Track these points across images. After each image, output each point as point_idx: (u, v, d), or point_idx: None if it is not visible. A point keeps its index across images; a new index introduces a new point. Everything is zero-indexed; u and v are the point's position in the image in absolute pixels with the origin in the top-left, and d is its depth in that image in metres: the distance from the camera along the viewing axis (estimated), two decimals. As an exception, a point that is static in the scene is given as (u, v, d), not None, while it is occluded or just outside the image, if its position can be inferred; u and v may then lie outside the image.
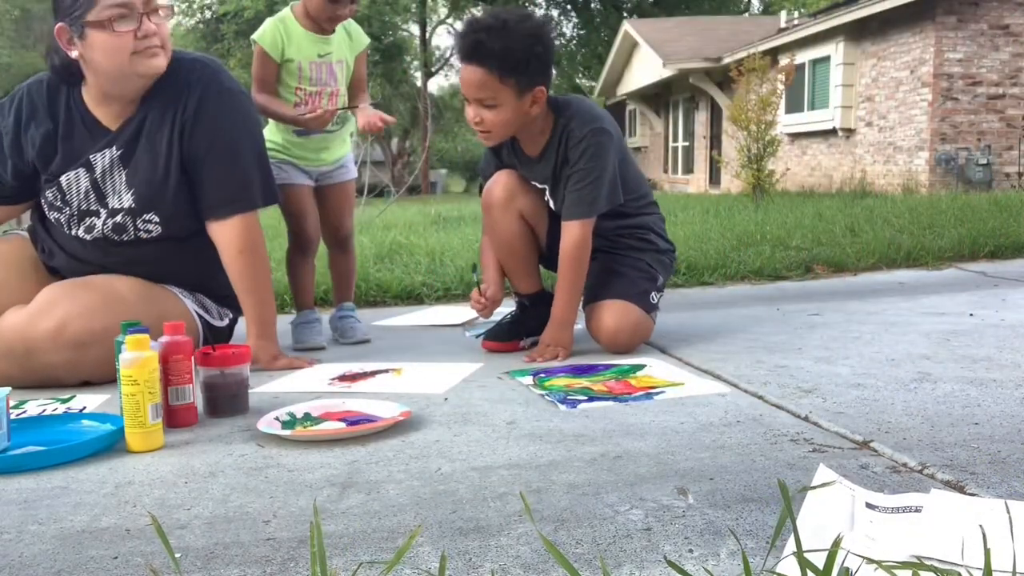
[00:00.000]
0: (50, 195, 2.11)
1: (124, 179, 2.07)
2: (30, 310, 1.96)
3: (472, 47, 2.07)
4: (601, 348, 2.27)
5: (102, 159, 2.07)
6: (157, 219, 2.10)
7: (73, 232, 2.13)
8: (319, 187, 2.66)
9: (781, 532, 0.99)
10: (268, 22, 2.48)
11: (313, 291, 2.73)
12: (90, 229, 2.11)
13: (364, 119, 2.47)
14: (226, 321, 2.32)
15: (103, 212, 2.09)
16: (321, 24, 2.48)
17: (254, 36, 2.48)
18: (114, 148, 2.06)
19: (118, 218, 2.09)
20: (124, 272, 2.12)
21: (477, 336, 2.51)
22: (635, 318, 2.24)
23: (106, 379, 1.94)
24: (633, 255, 2.36)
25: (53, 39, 1.97)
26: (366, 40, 2.65)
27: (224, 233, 2.10)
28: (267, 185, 2.18)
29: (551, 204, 2.35)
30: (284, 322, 3.08)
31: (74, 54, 1.96)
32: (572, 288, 2.24)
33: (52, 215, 2.14)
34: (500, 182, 2.32)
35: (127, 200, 2.08)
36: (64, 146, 2.07)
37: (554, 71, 2.23)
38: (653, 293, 2.32)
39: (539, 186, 2.34)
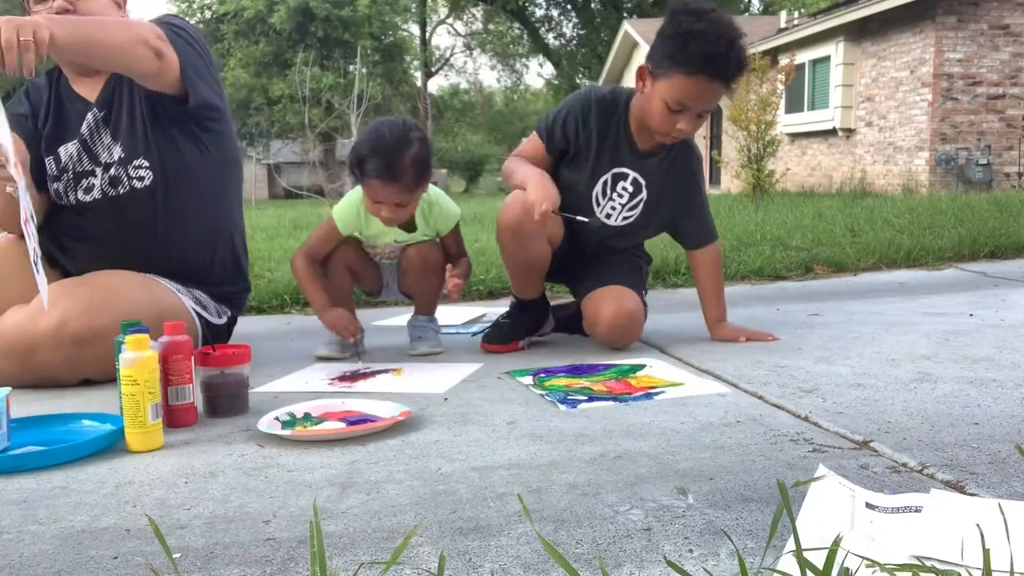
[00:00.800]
0: (47, 167, 2.20)
1: (110, 135, 2.17)
2: (30, 308, 1.96)
3: (735, 66, 2.04)
4: (597, 337, 2.29)
5: (86, 125, 2.17)
6: (147, 164, 2.16)
7: (72, 198, 2.18)
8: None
9: (777, 530, 0.99)
10: (352, 203, 2.28)
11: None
12: (89, 189, 2.17)
13: (451, 284, 2.25)
14: (224, 319, 2.32)
15: (98, 170, 2.17)
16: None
17: (335, 210, 2.31)
18: (96, 110, 2.18)
19: (112, 171, 2.16)
20: (125, 243, 2.16)
21: (474, 334, 2.51)
22: (635, 304, 2.25)
23: (107, 377, 1.94)
24: (623, 256, 2.43)
25: None
26: (452, 220, 2.37)
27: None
28: (175, 25, 2.14)
29: (619, 207, 2.28)
30: (280, 322, 3.08)
31: None
32: (721, 290, 2.39)
33: (52, 187, 2.20)
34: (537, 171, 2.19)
35: (116, 152, 2.16)
36: (55, 121, 2.21)
37: None
38: (643, 290, 2.38)
39: (630, 177, 2.26)
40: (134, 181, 2.16)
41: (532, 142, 2.32)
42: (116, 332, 1.75)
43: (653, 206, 2.29)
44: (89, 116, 2.18)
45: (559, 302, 2.62)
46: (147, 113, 2.16)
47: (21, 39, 1.61)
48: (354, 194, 2.29)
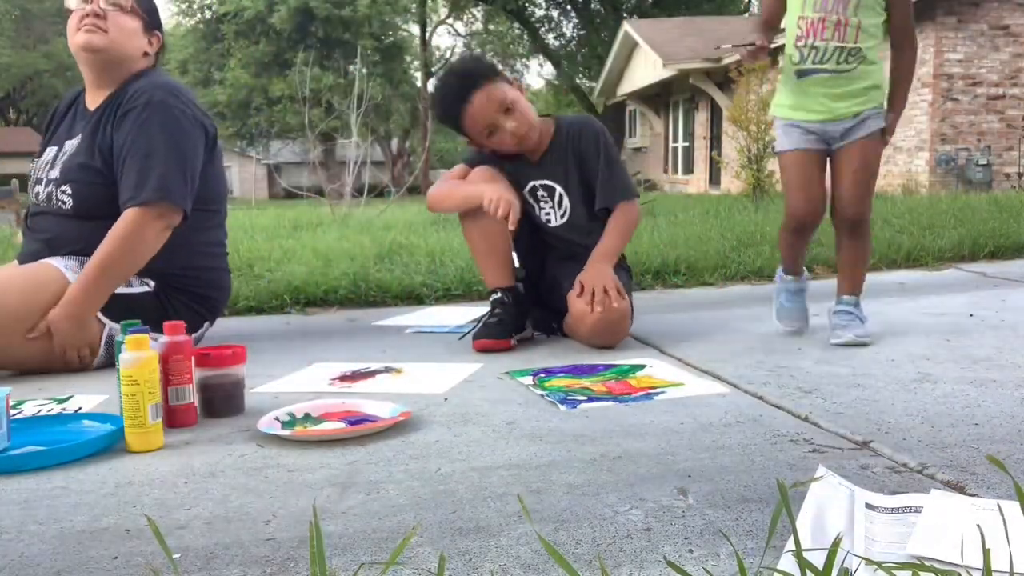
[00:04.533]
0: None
1: (64, 156, 2.30)
2: None
3: (468, 76, 2.31)
4: (581, 332, 2.29)
5: (70, 142, 2.32)
6: (69, 191, 2.26)
7: (32, 192, 2.37)
8: (834, 151, 2.27)
9: (777, 530, 0.99)
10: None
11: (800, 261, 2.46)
12: (37, 195, 2.34)
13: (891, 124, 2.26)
14: (145, 289, 2.27)
15: (44, 180, 2.32)
16: None
17: None
18: (79, 137, 2.30)
19: (48, 188, 2.29)
20: (55, 247, 2.26)
21: (461, 337, 2.50)
22: (625, 301, 2.28)
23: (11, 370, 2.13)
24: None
25: None
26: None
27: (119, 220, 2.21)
28: (163, 187, 2.18)
29: (551, 210, 2.46)
30: (280, 322, 3.07)
31: None
32: (621, 234, 2.37)
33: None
34: (479, 172, 2.42)
35: (55, 173, 2.29)
36: (59, 122, 2.41)
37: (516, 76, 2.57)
38: (630, 294, 2.39)
39: (539, 183, 2.44)
40: (57, 203, 2.27)
41: (460, 169, 2.52)
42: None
43: (574, 190, 2.44)
44: (77, 136, 2.31)
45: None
46: (95, 154, 2.24)
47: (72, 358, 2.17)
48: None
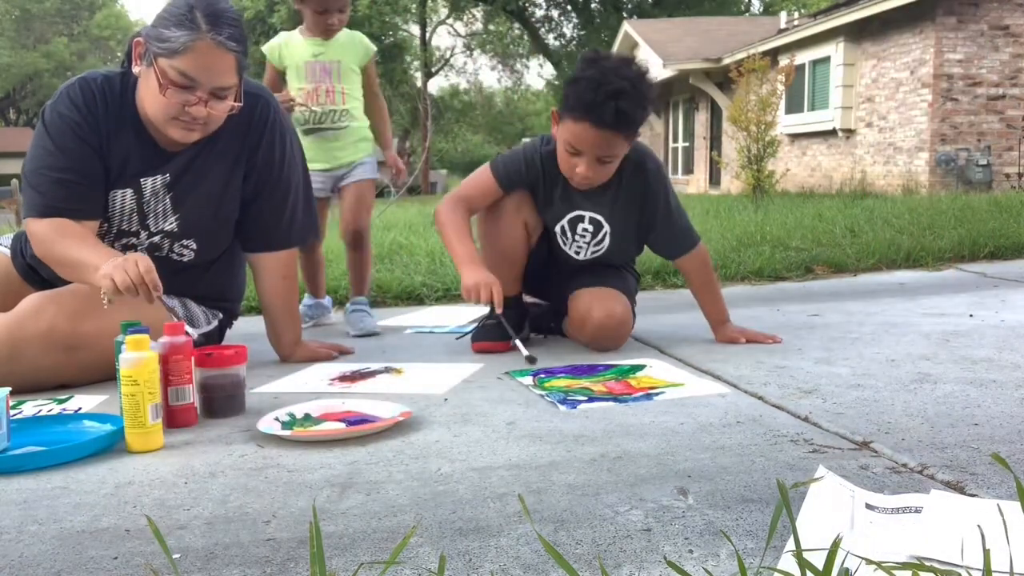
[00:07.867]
0: None
1: (169, 204, 2.07)
2: (16, 313, 1.93)
3: (616, 117, 2.02)
4: (581, 337, 2.29)
5: (152, 184, 2.05)
6: (195, 246, 2.14)
7: (105, 242, 2.07)
8: (339, 188, 2.91)
9: (777, 530, 0.99)
10: (276, 37, 2.95)
11: (321, 282, 3.07)
12: (126, 247, 2.09)
13: (391, 158, 3.23)
14: (214, 324, 2.27)
15: (143, 233, 2.09)
16: (317, 34, 2.82)
17: (263, 47, 2.93)
18: (167, 175, 2.05)
19: (156, 239, 2.10)
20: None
21: (459, 338, 2.50)
22: (625, 308, 2.28)
23: (84, 382, 1.98)
24: (612, 268, 2.43)
25: (130, 42, 1.99)
26: (371, 48, 2.95)
27: (268, 262, 2.23)
28: (310, 224, 2.30)
29: (584, 244, 2.33)
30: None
31: (136, 70, 1.95)
32: (715, 286, 2.39)
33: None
34: (510, 195, 2.29)
35: (171, 224, 2.09)
36: (117, 159, 2.02)
37: None
38: (633, 300, 2.38)
39: (587, 217, 2.30)
40: (173, 254, 2.13)
41: (484, 180, 2.30)
42: (101, 338, 1.79)
43: (619, 234, 2.33)
44: (158, 178, 2.04)
45: (528, 300, 2.61)
46: (231, 200, 2.13)
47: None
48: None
